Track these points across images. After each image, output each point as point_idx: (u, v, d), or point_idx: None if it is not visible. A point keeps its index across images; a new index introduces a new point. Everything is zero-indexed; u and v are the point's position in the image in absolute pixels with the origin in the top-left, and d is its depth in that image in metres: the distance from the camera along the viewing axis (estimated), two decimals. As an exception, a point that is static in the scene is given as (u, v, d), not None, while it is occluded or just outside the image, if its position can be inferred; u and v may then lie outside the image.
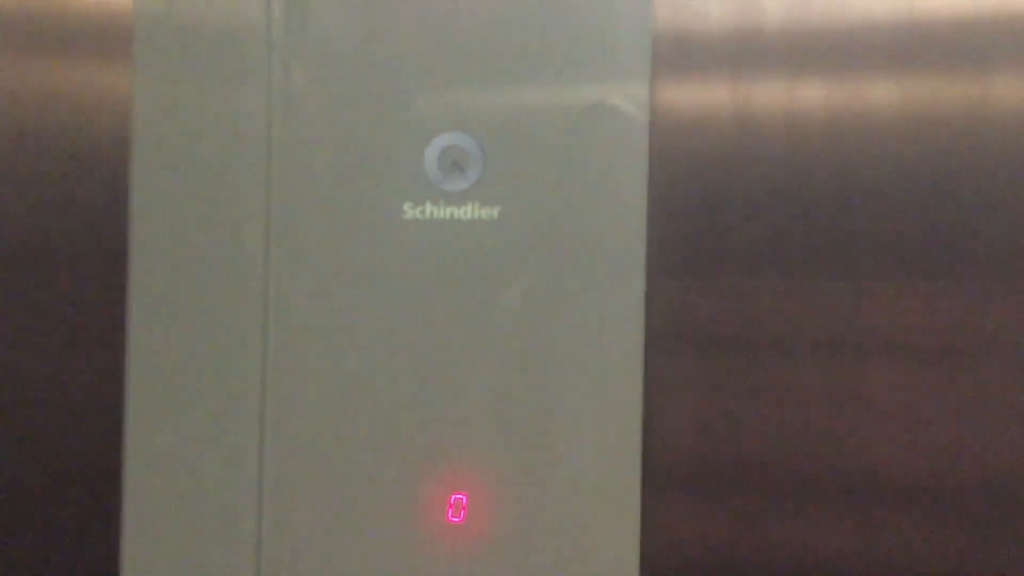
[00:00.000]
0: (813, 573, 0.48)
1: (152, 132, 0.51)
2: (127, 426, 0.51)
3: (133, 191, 0.51)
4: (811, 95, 0.48)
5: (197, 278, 0.50)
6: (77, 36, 0.53)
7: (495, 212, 0.49)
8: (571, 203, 0.48)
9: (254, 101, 0.50)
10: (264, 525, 0.50)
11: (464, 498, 0.48)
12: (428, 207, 0.49)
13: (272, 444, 0.50)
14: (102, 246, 0.52)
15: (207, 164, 0.50)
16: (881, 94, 0.47)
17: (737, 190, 0.48)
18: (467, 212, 0.49)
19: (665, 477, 0.48)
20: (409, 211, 0.49)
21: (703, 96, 0.49)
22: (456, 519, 0.48)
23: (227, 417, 0.50)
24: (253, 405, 0.50)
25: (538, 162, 0.48)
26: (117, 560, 0.51)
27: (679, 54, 0.49)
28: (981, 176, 0.46)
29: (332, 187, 0.49)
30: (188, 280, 0.50)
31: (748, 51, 0.48)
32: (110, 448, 0.51)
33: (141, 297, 0.50)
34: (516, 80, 0.49)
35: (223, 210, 0.50)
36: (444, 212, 0.49)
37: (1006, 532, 0.46)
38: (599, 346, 0.48)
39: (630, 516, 0.48)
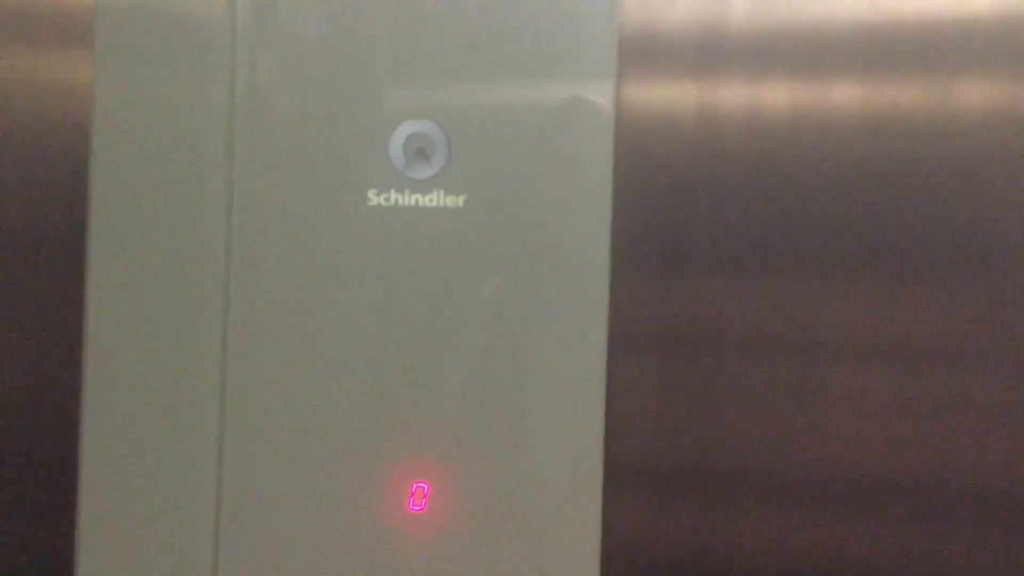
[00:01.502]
0: (774, 569, 0.48)
1: (114, 121, 0.50)
2: (85, 401, 0.50)
3: (93, 179, 0.50)
4: (775, 95, 0.48)
5: (157, 267, 0.49)
6: (38, 24, 0.52)
7: (460, 200, 0.48)
8: (536, 195, 0.48)
9: (217, 88, 0.49)
10: (223, 511, 0.49)
11: (426, 487, 0.48)
12: (393, 194, 0.49)
13: (232, 432, 0.49)
14: (61, 234, 0.51)
15: (169, 152, 0.50)
16: (844, 94, 0.48)
17: (701, 189, 0.48)
18: (432, 200, 0.48)
19: (627, 471, 0.48)
20: (374, 198, 0.49)
21: (668, 95, 0.49)
22: (417, 507, 0.48)
23: (186, 406, 0.49)
24: (213, 393, 0.49)
25: (504, 152, 0.48)
26: (72, 557, 0.50)
27: (645, 53, 0.49)
28: (943, 176, 0.47)
29: (296, 173, 0.49)
30: (148, 269, 0.49)
31: (713, 51, 0.49)
32: (66, 442, 0.51)
33: (100, 285, 0.50)
34: (482, 72, 0.48)
35: (185, 198, 0.49)
36: (409, 200, 0.48)
37: (965, 527, 0.47)
38: (562, 338, 0.48)
39: (592, 508, 0.48)
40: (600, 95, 0.48)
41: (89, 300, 0.50)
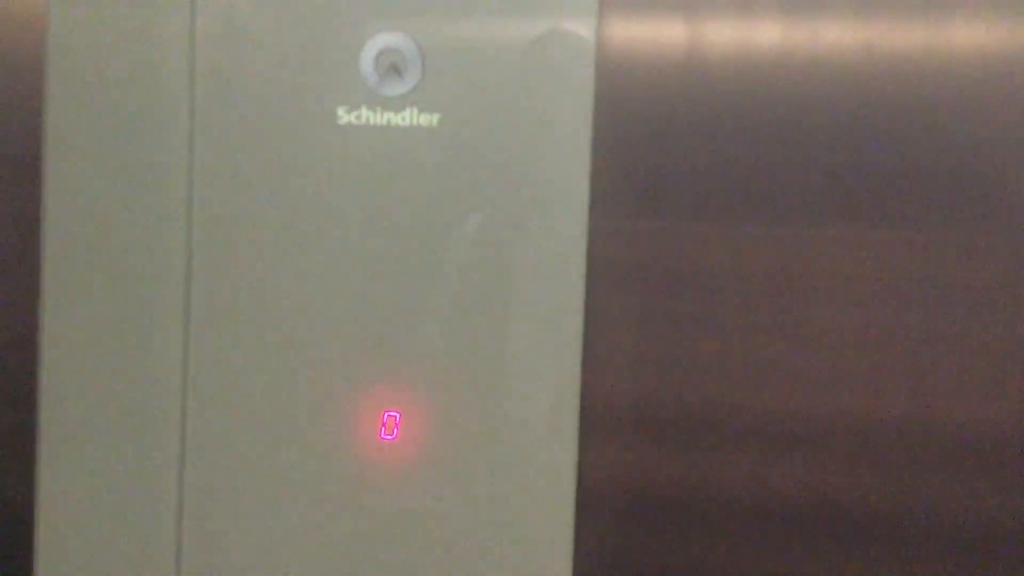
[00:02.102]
0: (752, 509, 0.48)
1: (69, 42, 0.48)
2: (42, 321, 0.49)
3: (48, 106, 0.48)
4: (765, 30, 0.47)
5: (117, 195, 0.48)
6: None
7: (435, 119, 0.47)
8: (514, 118, 0.46)
9: (179, 1, 0.47)
10: (189, 438, 0.48)
11: (398, 415, 0.47)
12: (364, 112, 0.47)
13: (197, 356, 0.48)
14: (15, 160, 0.50)
15: (128, 69, 0.48)
16: (835, 33, 0.47)
17: (685, 125, 0.47)
18: (405, 118, 0.47)
19: (603, 407, 0.48)
20: (343, 116, 0.47)
21: (652, 31, 0.48)
22: (389, 437, 0.47)
23: (150, 328, 0.48)
24: (177, 315, 0.48)
25: (480, 71, 0.46)
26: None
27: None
28: (934, 118, 0.46)
29: (261, 88, 0.47)
30: (107, 196, 0.48)
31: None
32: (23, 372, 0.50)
33: (57, 213, 0.48)
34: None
35: (145, 119, 0.48)
36: (381, 118, 0.47)
37: (945, 465, 0.47)
38: (540, 268, 0.47)
39: (567, 443, 0.47)
40: (582, 27, 0.46)
41: (46, 223, 0.48)
